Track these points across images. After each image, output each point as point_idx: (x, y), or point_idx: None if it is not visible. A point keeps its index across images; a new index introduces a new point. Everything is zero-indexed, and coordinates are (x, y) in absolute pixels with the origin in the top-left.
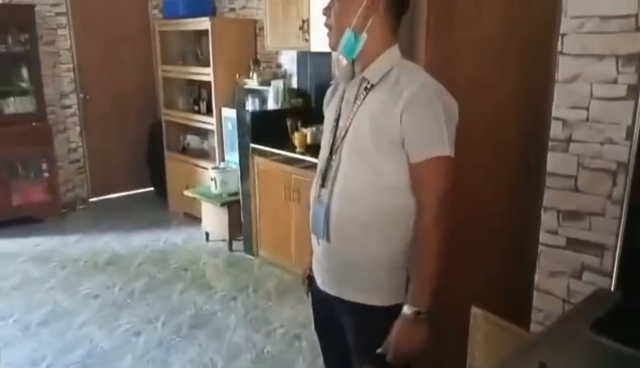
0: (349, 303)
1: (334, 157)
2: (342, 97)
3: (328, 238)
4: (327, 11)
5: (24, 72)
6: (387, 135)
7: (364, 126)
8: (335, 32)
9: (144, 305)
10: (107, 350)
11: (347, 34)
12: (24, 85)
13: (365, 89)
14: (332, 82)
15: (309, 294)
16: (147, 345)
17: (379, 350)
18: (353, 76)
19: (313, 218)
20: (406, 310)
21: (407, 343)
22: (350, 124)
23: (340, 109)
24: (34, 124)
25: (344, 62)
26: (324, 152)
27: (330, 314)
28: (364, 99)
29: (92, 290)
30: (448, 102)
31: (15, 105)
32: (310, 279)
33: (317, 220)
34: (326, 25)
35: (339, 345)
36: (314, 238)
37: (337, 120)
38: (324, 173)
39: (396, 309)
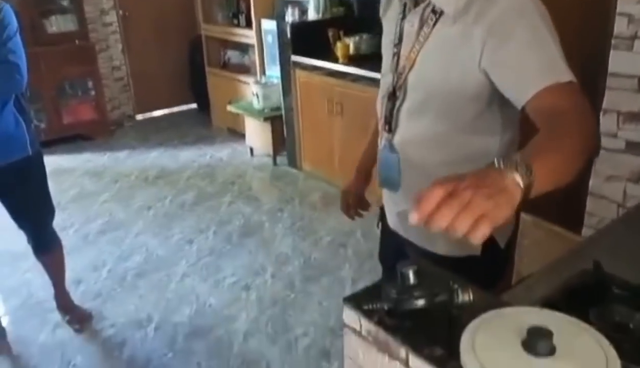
0: (417, 247)
1: (397, 94)
2: (403, 13)
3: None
4: None
5: None
6: (459, 82)
7: (431, 68)
8: None
9: (194, 216)
10: (162, 257)
11: None
12: (64, 3)
13: (434, 11)
14: None
15: (379, 225)
16: (199, 253)
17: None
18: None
19: (380, 166)
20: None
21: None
22: (415, 60)
23: (401, 30)
24: (76, 42)
25: None
26: (385, 81)
27: (397, 249)
28: (433, 25)
29: (145, 202)
30: (544, 10)
31: (57, 24)
32: (382, 210)
33: (384, 167)
34: None
35: None
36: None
37: (397, 46)
38: (388, 116)
39: (467, 260)
